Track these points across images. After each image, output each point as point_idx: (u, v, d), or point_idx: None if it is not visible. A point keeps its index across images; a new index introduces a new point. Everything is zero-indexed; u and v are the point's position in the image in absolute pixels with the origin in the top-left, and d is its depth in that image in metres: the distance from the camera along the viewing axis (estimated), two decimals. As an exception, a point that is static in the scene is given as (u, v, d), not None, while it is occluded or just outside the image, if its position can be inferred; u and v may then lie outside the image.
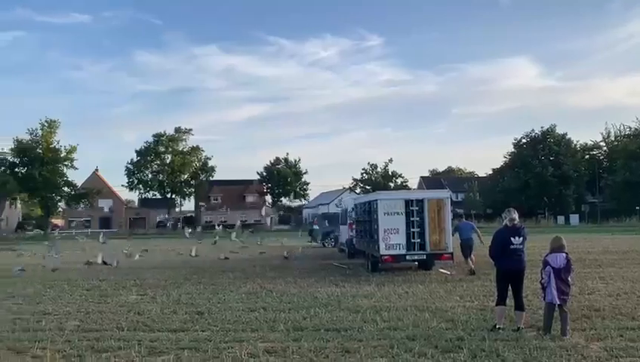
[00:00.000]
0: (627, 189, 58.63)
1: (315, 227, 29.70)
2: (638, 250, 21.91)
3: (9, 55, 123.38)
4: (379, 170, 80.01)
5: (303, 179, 78.43)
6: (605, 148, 73.46)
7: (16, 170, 63.63)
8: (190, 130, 74.07)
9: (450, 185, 68.13)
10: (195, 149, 73.64)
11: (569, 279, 7.63)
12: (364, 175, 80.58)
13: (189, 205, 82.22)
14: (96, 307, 10.66)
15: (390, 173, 79.52)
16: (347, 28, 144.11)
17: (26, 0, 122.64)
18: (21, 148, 62.94)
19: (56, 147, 64.43)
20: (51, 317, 9.60)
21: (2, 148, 62.88)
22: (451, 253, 15.02)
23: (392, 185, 76.76)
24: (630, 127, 68.91)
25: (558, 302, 7.43)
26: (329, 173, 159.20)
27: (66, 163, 65.06)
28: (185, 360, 6.56)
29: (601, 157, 73.68)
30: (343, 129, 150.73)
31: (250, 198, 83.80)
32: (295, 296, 11.46)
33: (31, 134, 63.59)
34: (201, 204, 79.22)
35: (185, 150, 73.13)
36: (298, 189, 78.13)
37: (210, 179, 76.14)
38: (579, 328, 7.80)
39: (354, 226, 19.73)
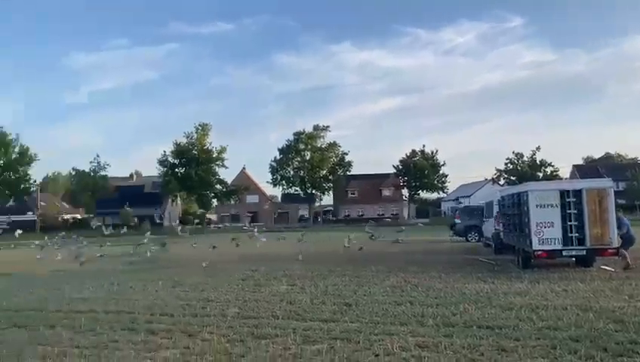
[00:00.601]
0: None
1: (457, 221, 28.75)
2: None
3: (165, 66, 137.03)
4: (525, 159, 74.94)
5: (440, 171, 76.38)
6: None
7: (176, 170, 70.54)
8: (328, 126, 76.13)
9: (609, 173, 61.61)
10: (333, 145, 75.46)
11: None
12: (509, 165, 75.97)
13: (327, 200, 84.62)
14: (252, 296, 11.41)
15: (538, 162, 74.08)
16: (484, 11, 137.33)
17: (178, 14, 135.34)
18: (180, 151, 69.60)
19: (209, 148, 70.20)
20: (214, 304, 10.47)
21: (166, 152, 70.15)
22: (616, 249, 13.59)
23: (540, 175, 71.41)
24: None
25: None
26: (469, 164, 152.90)
27: (217, 162, 70.60)
28: (338, 350, 6.74)
29: None
30: (483, 117, 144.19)
31: (386, 192, 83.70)
32: (442, 291, 11.20)
33: (187, 137, 70.08)
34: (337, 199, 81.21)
35: (323, 146, 75.28)
36: (436, 182, 76.30)
37: (347, 173, 77.48)
38: None
39: (500, 220, 18.74)
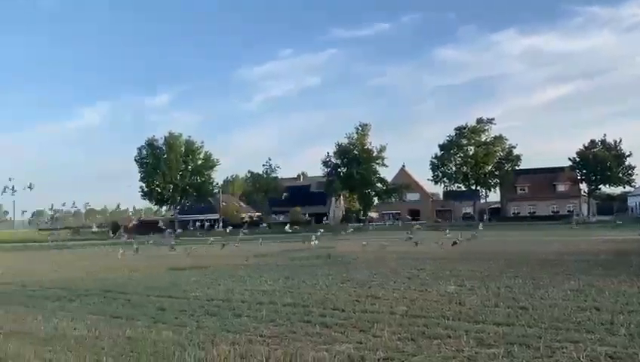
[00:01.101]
0: None
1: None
2: None
3: (326, 70, 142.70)
4: None
5: (626, 163, 68.03)
6: None
7: (339, 170, 73.06)
8: (492, 119, 72.51)
9: None
10: (498, 139, 71.62)
11: None
12: None
13: (494, 196, 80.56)
14: (419, 295, 11.35)
15: None
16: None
17: (336, 20, 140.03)
18: (342, 151, 71.97)
19: (369, 148, 71.47)
20: (382, 301, 10.64)
21: (329, 153, 73.13)
22: None
23: None
24: None
25: None
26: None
27: (377, 161, 71.56)
28: (516, 355, 6.41)
29: None
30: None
31: (560, 187, 77.03)
32: (634, 297, 10.00)
33: (348, 138, 72.13)
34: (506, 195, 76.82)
35: (487, 140, 71.89)
36: (620, 175, 68.08)
37: (516, 168, 72.87)
38: None
39: None
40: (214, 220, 74.43)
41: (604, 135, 70.76)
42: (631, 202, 77.69)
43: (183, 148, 72.17)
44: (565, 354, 6.34)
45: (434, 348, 6.91)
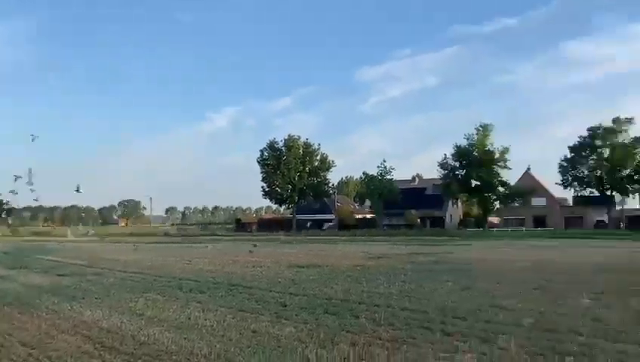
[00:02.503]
0: None
1: None
2: None
3: (445, 70, 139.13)
4: None
5: None
6: None
7: (457, 172, 70.80)
8: (632, 118, 65.82)
9: None
10: (639, 140, 64.94)
11: None
12: None
13: (633, 203, 73.09)
14: (549, 307, 10.62)
15: None
16: None
17: (457, 16, 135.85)
18: (460, 153, 69.66)
19: (490, 149, 68.39)
20: (506, 312, 10.11)
21: (446, 155, 71.23)
22: None
23: None
24: None
25: None
26: None
27: (499, 163, 68.25)
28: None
29: None
30: None
31: None
32: None
33: (467, 139, 69.62)
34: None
35: (626, 142, 65.42)
36: None
37: (660, 172, 65.53)
38: None
39: None
40: (330, 220, 76.06)
41: None
42: None
43: (301, 151, 74.61)
44: None
45: (567, 366, 6.44)
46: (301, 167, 74.38)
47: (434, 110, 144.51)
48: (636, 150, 64.54)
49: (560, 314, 9.86)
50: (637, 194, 68.47)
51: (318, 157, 75.54)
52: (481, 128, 68.83)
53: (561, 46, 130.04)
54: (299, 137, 75.54)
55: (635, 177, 65.32)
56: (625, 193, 67.36)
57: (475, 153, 68.44)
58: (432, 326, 8.83)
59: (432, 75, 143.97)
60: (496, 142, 69.02)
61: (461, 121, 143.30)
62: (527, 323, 9.02)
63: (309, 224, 77.28)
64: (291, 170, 73.00)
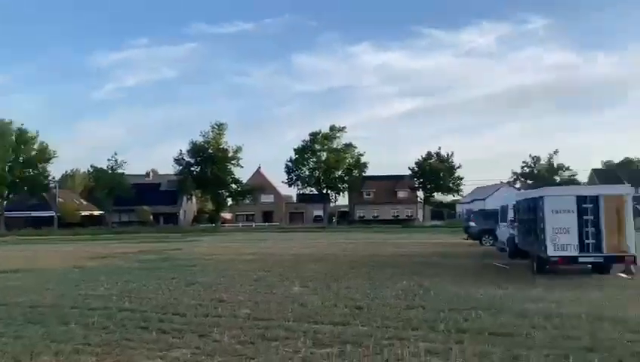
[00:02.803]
0: None
1: (472, 224, 28.55)
2: None
3: (184, 64, 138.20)
4: (542, 162, 74.24)
5: (456, 174, 75.82)
6: None
7: (192, 168, 71.13)
8: (344, 127, 75.83)
9: (629, 179, 60.60)
10: (349, 146, 75.33)
11: None
12: (525, 168, 75.44)
13: (343, 200, 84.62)
14: (264, 297, 11.44)
15: (556, 165, 73.30)
16: (506, 12, 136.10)
17: (200, 14, 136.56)
18: (196, 149, 70.18)
19: (225, 147, 70.67)
20: (226, 305, 10.50)
21: (182, 150, 70.77)
22: (634, 256, 13.37)
23: (557, 179, 70.68)
24: None
25: None
26: (484, 167, 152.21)
27: (233, 162, 71.09)
28: (348, 355, 6.73)
29: None
30: (501, 119, 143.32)
31: (401, 193, 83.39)
32: (454, 296, 11.12)
33: (203, 136, 70.58)
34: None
35: (339, 147, 75.23)
36: (451, 184, 75.75)
37: (363, 175, 77.30)
38: None
39: (516, 224, 18.56)
40: (49, 217, 67.68)
41: (439, 148, 77.88)
42: (459, 209, 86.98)
43: (13, 138, 64.49)
44: (392, 351, 6.80)
45: (272, 351, 6.98)
46: (13, 157, 64.48)
47: (172, 103, 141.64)
48: (346, 154, 74.70)
49: (273, 302, 10.70)
50: (346, 193, 79.38)
51: (36, 146, 66.45)
52: (216, 126, 70.57)
53: (292, 57, 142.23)
54: (11, 122, 65.23)
55: (345, 178, 75.59)
56: (337, 191, 77.34)
57: (210, 150, 69.82)
58: (149, 325, 8.57)
59: (170, 68, 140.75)
60: (230, 141, 71.69)
61: (198, 117, 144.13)
62: (243, 313, 9.52)
63: (22, 222, 67.27)
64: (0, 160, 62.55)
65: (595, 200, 13.48)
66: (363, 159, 75.06)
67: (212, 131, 70.43)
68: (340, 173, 74.88)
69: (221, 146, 70.38)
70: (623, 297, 10.71)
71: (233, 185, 72.71)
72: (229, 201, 76.93)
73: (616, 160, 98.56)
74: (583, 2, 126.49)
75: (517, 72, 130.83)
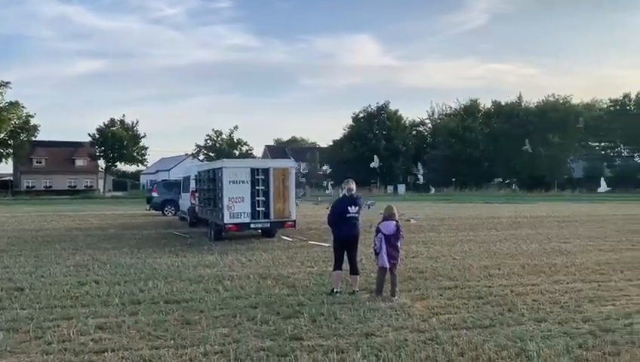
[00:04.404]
0: (446, 163, 65.62)
1: (155, 195, 28.32)
2: (454, 216, 24.77)
3: None
4: (224, 136, 78.62)
5: (140, 144, 73.49)
6: (430, 125, 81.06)
7: None
8: (8, 83, 64.85)
9: (295, 155, 69.77)
10: (14, 105, 64.81)
11: (398, 245, 8.28)
12: (208, 141, 78.56)
13: (6, 168, 72.94)
14: None
15: (235, 140, 78.63)
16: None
17: None
18: None
19: None
20: None
21: None
22: (294, 221, 15.42)
23: (237, 153, 76.06)
24: (451, 107, 76.87)
25: (389, 266, 8.05)
26: (170, 139, 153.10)
27: None
28: (0, 343, 5.81)
29: (426, 133, 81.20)
30: (188, 92, 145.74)
31: (80, 162, 77.04)
32: (132, 268, 10.83)
33: None
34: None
35: (2, 105, 64.10)
36: (135, 154, 73.26)
37: (33, 139, 67.97)
38: (405, 289, 8.56)
39: (197, 194, 19.21)
40: None
41: (124, 115, 73.76)
42: (143, 180, 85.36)
43: None
44: (56, 332, 6.18)
45: None
46: None
47: None
48: (11, 114, 64.27)
49: None
50: (10, 159, 68.53)
51: None
52: None
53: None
54: None
55: (10, 142, 65.22)
56: (-2, 158, 66.05)
57: None
58: None
59: None
60: None
61: None
62: None
63: None
64: None
65: (266, 172, 14.96)
66: (33, 121, 65.90)
67: None
68: (2, 135, 64.12)
69: None
70: (284, 257, 12.24)
71: None
72: None
73: (285, 138, 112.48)
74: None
75: (203, 47, 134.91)
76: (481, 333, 6.20)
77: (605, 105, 70.39)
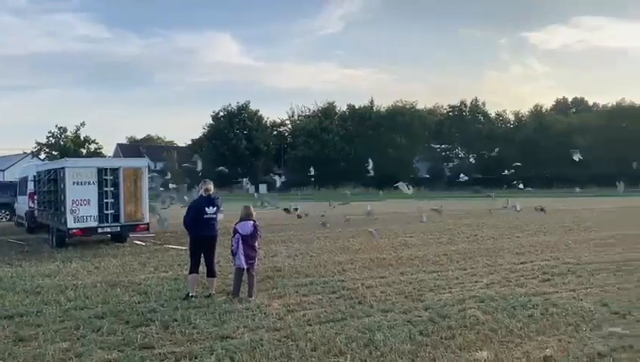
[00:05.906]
0: (305, 163, 67.36)
1: (-15, 198, 25.10)
2: (313, 215, 25.45)
3: None
4: (69, 134, 72.15)
5: (-32, 140, 65.03)
6: (290, 125, 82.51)
7: None
8: None
9: (150, 154, 66.34)
10: None
11: (256, 245, 8.30)
12: (51, 139, 71.55)
13: None
14: None
15: (82, 138, 72.61)
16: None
17: None
18: None
19: None
20: None
21: None
22: (147, 224, 14.68)
23: (84, 151, 70.30)
24: (310, 109, 78.95)
25: (246, 267, 8.03)
26: (6, 135, 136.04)
27: None
28: None
29: (286, 134, 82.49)
30: (28, 85, 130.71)
31: None
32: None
33: None
34: None
35: None
36: (-38, 152, 64.45)
37: None
38: (263, 288, 8.61)
39: (35, 197, 17.41)
40: None
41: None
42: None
43: None
44: None
45: None
46: None
47: None
48: None
49: None
50: None
51: None
52: None
53: None
54: None
55: None
56: None
57: None
58: None
59: None
60: None
61: None
62: None
63: None
64: None
65: (115, 172, 14.03)
66: None
67: None
68: None
69: None
70: (136, 263, 11.59)
71: None
72: None
73: (140, 136, 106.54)
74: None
75: (48, 36, 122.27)
76: (333, 327, 6.46)
77: (445, 111, 77.89)
